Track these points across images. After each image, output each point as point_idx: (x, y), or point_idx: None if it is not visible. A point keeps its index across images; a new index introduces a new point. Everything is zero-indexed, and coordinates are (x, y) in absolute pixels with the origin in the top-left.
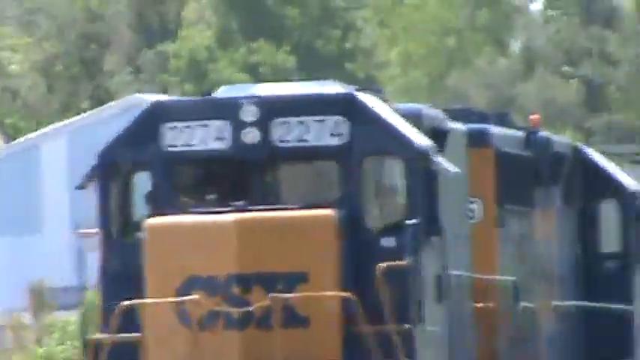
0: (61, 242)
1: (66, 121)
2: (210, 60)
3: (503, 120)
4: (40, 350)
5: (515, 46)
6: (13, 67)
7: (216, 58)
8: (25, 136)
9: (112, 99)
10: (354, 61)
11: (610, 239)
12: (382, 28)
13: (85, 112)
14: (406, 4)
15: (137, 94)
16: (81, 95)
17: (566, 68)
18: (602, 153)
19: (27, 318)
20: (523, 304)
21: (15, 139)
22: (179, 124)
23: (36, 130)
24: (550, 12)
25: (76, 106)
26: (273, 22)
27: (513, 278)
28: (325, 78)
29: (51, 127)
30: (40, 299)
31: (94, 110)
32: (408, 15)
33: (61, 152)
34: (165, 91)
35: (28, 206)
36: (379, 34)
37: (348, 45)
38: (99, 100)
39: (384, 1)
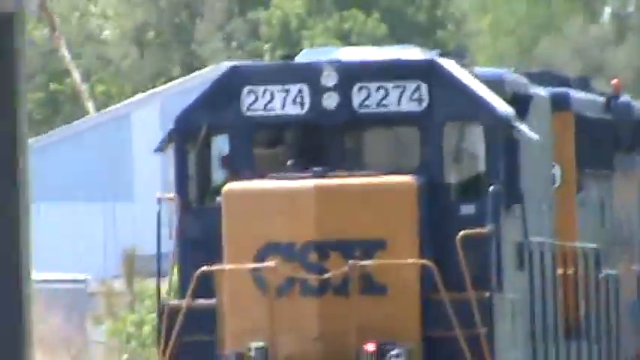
0: (152, 209)
1: (157, 89)
2: (302, 27)
3: (584, 84)
4: (132, 317)
5: (606, 13)
6: (105, 33)
7: (308, 25)
8: (117, 104)
9: (203, 66)
10: (445, 30)
11: None
12: None
13: (176, 79)
14: None
15: (228, 62)
16: (172, 63)
17: None
18: None
19: (119, 285)
20: (606, 271)
21: (107, 106)
22: (258, 88)
23: (127, 97)
24: None
25: (167, 73)
26: None
27: (596, 245)
28: (415, 46)
29: (142, 94)
30: (132, 266)
31: (185, 77)
32: None
33: (153, 120)
34: (256, 59)
35: (119, 174)
36: (470, 3)
37: (438, 13)
38: (190, 68)
39: None
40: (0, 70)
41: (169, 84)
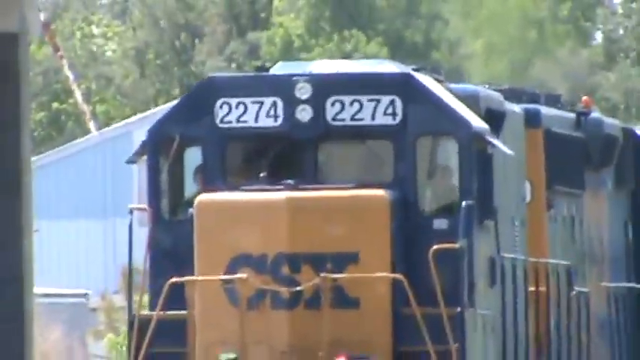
0: None
1: (157, 108)
2: (303, 48)
3: (554, 101)
4: None
5: (597, 36)
6: (107, 54)
7: (310, 46)
8: (118, 123)
9: None
10: (440, 52)
11: None
12: (467, 20)
13: (176, 99)
14: None
15: None
16: (172, 83)
17: None
18: None
19: (119, 300)
20: (577, 288)
21: (108, 125)
22: (232, 100)
23: (128, 117)
24: (631, 4)
25: (167, 93)
26: (362, 11)
27: (568, 263)
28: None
29: (143, 114)
30: (131, 281)
31: None
32: (492, 7)
33: None
34: None
35: (120, 191)
36: (464, 26)
37: (434, 35)
38: (190, 88)
39: None
40: (4, 90)
41: (169, 103)
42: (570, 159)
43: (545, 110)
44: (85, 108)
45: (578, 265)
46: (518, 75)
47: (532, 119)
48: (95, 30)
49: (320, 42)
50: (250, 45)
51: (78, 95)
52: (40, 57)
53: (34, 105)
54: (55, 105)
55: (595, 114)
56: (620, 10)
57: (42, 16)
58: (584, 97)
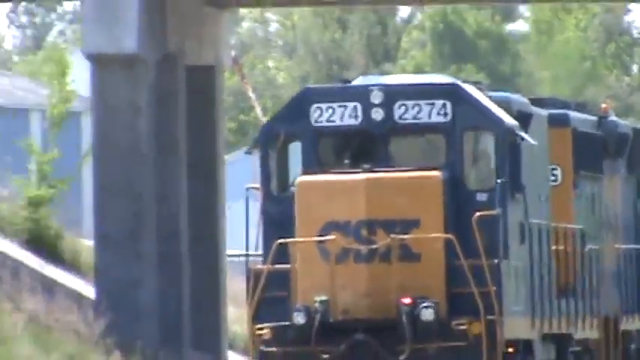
0: None
1: None
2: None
3: (581, 107)
4: None
5: (636, 68)
6: (279, 80)
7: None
8: None
9: None
10: (520, 79)
11: None
12: (539, 56)
13: None
14: (556, 40)
15: None
16: None
17: None
18: None
19: None
20: (589, 246)
21: None
22: (323, 105)
23: None
24: None
25: None
26: (468, 49)
27: (581, 226)
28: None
29: None
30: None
31: None
32: (557, 47)
33: None
34: None
35: None
36: (536, 61)
37: (516, 67)
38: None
39: (541, 37)
40: (206, 107)
41: None
42: (592, 151)
43: (573, 114)
44: (263, 120)
45: (596, 230)
46: (576, 96)
47: (562, 121)
48: (270, 63)
49: (440, 71)
50: (385, 73)
51: (258, 110)
52: (230, 83)
53: (227, 117)
54: (241, 117)
55: (612, 117)
56: None
57: (232, 53)
58: (604, 105)
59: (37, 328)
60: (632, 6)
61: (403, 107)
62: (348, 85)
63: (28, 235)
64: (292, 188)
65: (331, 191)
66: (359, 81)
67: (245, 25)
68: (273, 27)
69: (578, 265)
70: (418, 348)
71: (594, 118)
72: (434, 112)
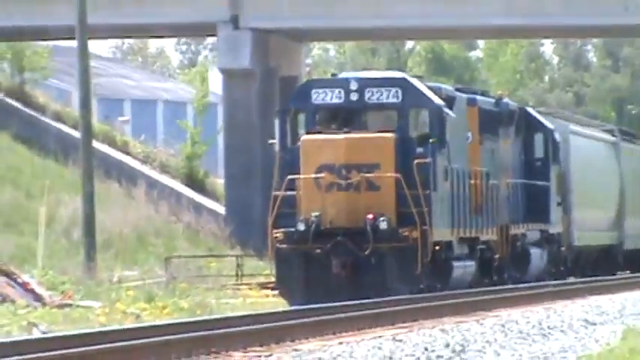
0: None
1: None
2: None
3: (485, 94)
4: None
5: (547, 78)
6: None
7: None
8: None
9: None
10: (477, 85)
11: (539, 151)
12: (489, 70)
13: None
14: (500, 61)
15: None
16: None
17: None
18: None
19: None
20: (491, 181)
21: None
22: (319, 90)
23: None
24: None
25: None
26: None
27: (486, 169)
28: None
29: None
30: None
31: None
32: (501, 65)
33: None
34: None
35: None
36: (487, 74)
37: (474, 78)
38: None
39: (490, 59)
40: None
41: None
42: (493, 122)
43: (480, 98)
44: None
45: (495, 172)
46: (512, 96)
47: (473, 102)
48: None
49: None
50: None
51: None
52: None
53: None
54: None
55: (505, 100)
56: None
57: (307, 69)
58: (499, 92)
59: (191, 232)
60: (544, 41)
61: (371, 92)
62: (335, 77)
63: (185, 176)
64: (299, 143)
65: (323, 145)
66: (343, 75)
67: (315, 51)
68: (332, 52)
69: (484, 193)
70: (377, 246)
71: (493, 100)
72: (390, 96)
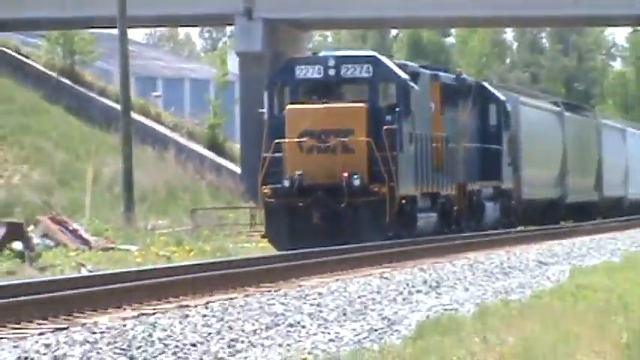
0: None
1: None
2: None
3: (446, 70)
4: None
5: (508, 60)
6: None
7: None
8: None
9: None
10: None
11: (493, 119)
12: (460, 54)
13: None
14: (469, 46)
15: None
16: None
17: None
18: None
19: None
20: (450, 145)
21: None
22: (302, 66)
23: None
24: None
25: None
26: (425, 52)
27: (446, 134)
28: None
29: None
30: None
31: None
32: (469, 49)
33: None
34: None
35: None
36: (458, 56)
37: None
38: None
39: (460, 44)
40: None
41: None
42: (453, 94)
43: (442, 74)
44: None
45: (454, 136)
46: (479, 75)
47: (435, 77)
48: None
49: None
50: None
51: None
52: None
53: None
54: None
55: (463, 75)
56: None
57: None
58: (459, 69)
59: (212, 188)
60: (506, 29)
61: (346, 68)
62: (316, 55)
63: (208, 141)
64: (284, 112)
65: (305, 114)
66: (322, 53)
67: (316, 37)
68: (330, 38)
69: (443, 155)
70: (351, 200)
71: (453, 76)
72: (363, 71)
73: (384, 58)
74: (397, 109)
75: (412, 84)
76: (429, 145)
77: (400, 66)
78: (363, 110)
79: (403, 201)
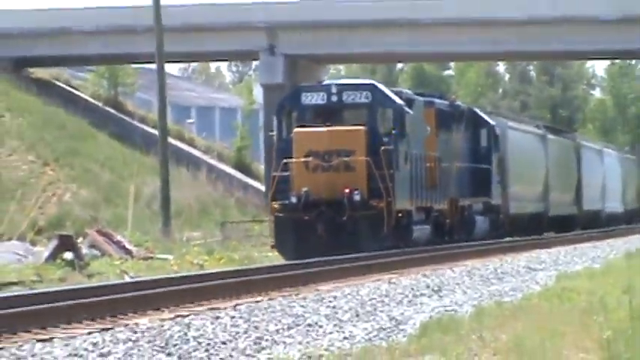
0: None
1: None
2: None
3: (442, 97)
4: None
5: (500, 90)
6: None
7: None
8: None
9: None
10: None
11: (483, 141)
12: (459, 84)
13: None
14: (466, 77)
15: None
16: None
17: None
18: None
19: None
20: (444, 164)
21: None
22: (308, 93)
23: None
24: None
25: None
26: (427, 82)
27: (439, 155)
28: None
29: None
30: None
31: None
32: (466, 80)
33: None
34: None
35: None
36: (457, 87)
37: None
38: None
39: (459, 76)
40: None
41: None
42: (447, 118)
43: (437, 100)
44: None
45: (447, 157)
46: (475, 102)
47: (430, 103)
48: None
49: None
50: None
51: None
52: None
53: None
54: None
55: (457, 102)
56: None
57: None
58: (452, 96)
59: (240, 204)
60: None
61: (347, 94)
62: (320, 83)
63: (236, 163)
64: (292, 134)
65: (310, 136)
66: (326, 82)
67: (331, 71)
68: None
69: (437, 173)
70: (352, 214)
71: (447, 102)
72: (362, 97)
73: (381, 86)
74: (393, 132)
75: (407, 109)
76: (423, 164)
77: (396, 93)
78: (363, 133)
79: (399, 215)
